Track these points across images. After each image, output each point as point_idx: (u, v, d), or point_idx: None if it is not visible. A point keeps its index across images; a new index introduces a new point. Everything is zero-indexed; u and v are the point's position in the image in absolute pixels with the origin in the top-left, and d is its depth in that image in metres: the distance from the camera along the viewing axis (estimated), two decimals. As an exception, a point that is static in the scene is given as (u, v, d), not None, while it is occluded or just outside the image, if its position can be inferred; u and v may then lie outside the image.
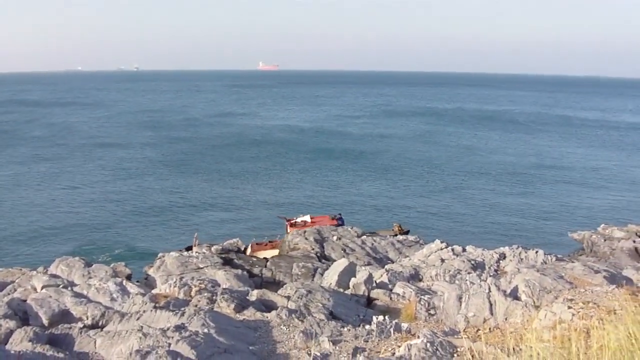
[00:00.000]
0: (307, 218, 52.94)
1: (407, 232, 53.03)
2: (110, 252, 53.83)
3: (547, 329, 13.35)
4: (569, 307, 15.08)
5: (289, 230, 50.34)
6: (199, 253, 40.64)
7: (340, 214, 55.13)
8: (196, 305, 21.76)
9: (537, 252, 33.13)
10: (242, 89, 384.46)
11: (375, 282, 27.08)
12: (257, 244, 47.43)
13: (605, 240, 50.32)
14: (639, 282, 22.83)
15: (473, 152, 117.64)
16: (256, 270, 38.86)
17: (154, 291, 28.29)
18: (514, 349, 9.61)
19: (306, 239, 44.17)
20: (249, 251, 45.78)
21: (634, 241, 48.40)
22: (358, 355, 14.52)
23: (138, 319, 20.46)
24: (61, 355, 18.76)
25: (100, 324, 24.01)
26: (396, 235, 51.20)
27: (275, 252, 45.18)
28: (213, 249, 42.63)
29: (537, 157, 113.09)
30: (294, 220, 52.87)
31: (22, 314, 26.16)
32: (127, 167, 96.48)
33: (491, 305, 18.71)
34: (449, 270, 28.87)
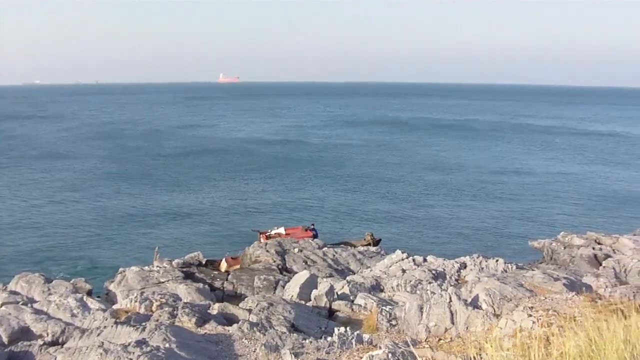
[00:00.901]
0: (282, 230, 52.43)
1: (379, 241, 53.20)
2: (70, 268, 53.00)
3: (508, 337, 13.38)
4: (530, 315, 15.14)
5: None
6: (159, 267, 40.26)
7: (313, 225, 54.84)
8: (157, 320, 21.49)
9: (497, 260, 33.40)
10: (202, 101, 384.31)
11: (337, 293, 27.02)
12: (232, 258, 46.73)
13: (564, 247, 50.77)
14: (599, 288, 23.03)
15: (433, 162, 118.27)
16: (217, 284, 38.61)
17: (114, 306, 27.93)
18: (474, 357, 9.60)
19: (267, 251, 44.03)
20: (223, 266, 44.31)
21: (593, 248, 48.90)
22: (320, 367, 14.45)
23: (99, 334, 20.14)
24: (20, 373, 18.45)
25: (60, 340, 23.59)
26: (369, 244, 51.74)
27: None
28: (174, 262, 42.24)
29: (497, 165, 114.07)
30: (268, 233, 52.37)
31: (-21, 332, 25.65)
32: (87, 180, 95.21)
33: (452, 314, 18.74)
34: (410, 281, 28.91)
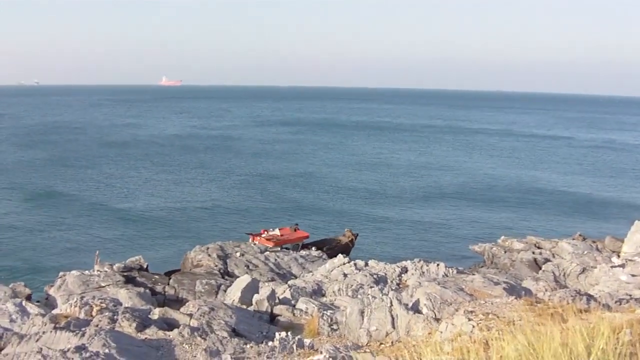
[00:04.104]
0: (277, 232, 52.26)
1: (356, 236, 54.90)
2: (9, 272, 51.79)
3: (448, 342, 13.39)
4: (469, 319, 15.19)
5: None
6: (100, 271, 39.68)
7: (297, 224, 54.74)
8: (97, 325, 21.12)
9: (438, 265, 33.61)
10: (143, 103, 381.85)
11: (278, 298, 26.93)
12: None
13: (505, 252, 51.38)
14: (538, 292, 23.29)
15: (373, 165, 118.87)
16: (159, 288, 38.17)
17: (54, 311, 27.43)
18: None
19: (209, 255, 43.70)
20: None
21: (533, 252, 49.59)
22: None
23: (37, 340, 19.68)
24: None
25: (-2, 346, 23.10)
26: (351, 240, 53.75)
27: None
28: (115, 266, 41.62)
29: (438, 170, 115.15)
30: (266, 234, 51.88)
31: None
32: (24, 183, 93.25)
33: (393, 319, 18.75)
34: (352, 285, 28.95)
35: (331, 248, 52.08)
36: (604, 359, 7.70)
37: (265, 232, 51.98)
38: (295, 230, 52.96)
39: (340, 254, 38.95)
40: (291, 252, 47.07)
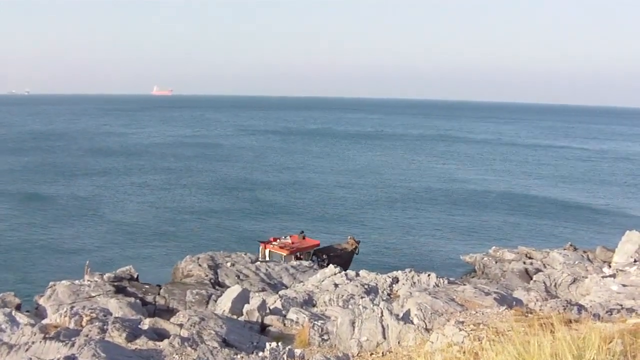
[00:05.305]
0: (289, 239, 52.42)
1: (358, 243, 54.84)
2: (-2, 282, 51.67)
3: (439, 352, 13.36)
4: (460, 330, 15.16)
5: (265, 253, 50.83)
6: (90, 281, 39.50)
7: (303, 232, 54.78)
8: (87, 335, 21.01)
9: (429, 275, 33.56)
10: (133, 112, 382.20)
11: (269, 308, 26.84)
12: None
13: (496, 262, 51.50)
14: (529, 302, 23.29)
15: (363, 175, 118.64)
16: (149, 298, 38.01)
17: (44, 321, 27.34)
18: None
19: (200, 265, 43.60)
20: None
21: (524, 262, 49.69)
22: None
23: (27, 350, 19.58)
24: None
25: (-13, 356, 22.96)
26: (354, 247, 53.77)
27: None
28: (105, 276, 41.43)
29: (428, 179, 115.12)
30: (279, 242, 51.87)
31: None
32: (13, 191, 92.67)
33: (384, 329, 18.72)
34: (342, 295, 28.90)
35: (338, 255, 52.24)
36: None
37: (278, 240, 52.05)
38: (303, 237, 52.99)
39: (330, 265, 38.83)
40: (282, 262, 47.12)
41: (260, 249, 51.33)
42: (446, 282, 32.19)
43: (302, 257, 50.19)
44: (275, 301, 28.73)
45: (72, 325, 23.49)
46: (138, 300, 35.44)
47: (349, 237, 56.24)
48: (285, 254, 49.12)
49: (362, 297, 27.41)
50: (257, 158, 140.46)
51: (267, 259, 49.49)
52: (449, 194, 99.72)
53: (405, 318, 19.31)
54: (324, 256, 51.25)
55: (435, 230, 74.91)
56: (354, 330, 19.61)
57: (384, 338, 18.44)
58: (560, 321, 13.09)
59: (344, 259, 52.05)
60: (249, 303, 27.43)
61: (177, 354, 18.31)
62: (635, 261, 42.50)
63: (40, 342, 19.91)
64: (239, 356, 17.92)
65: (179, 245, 61.98)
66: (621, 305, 28.44)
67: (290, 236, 53.23)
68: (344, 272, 35.96)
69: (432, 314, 19.32)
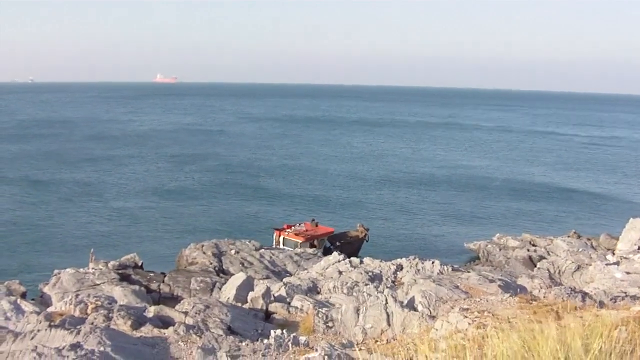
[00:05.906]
0: (303, 227, 52.97)
1: (368, 230, 55.43)
2: (3, 270, 51.56)
3: (443, 339, 13.35)
4: (465, 317, 15.16)
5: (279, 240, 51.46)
6: (95, 269, 39.58)
7: (314, 219, 55.03)
8: (92, 323, 21.03)
9: (433, 262, 33.58)
10: (135, 100, 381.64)
11: (273, 295, 26.88)
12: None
13: (500, 249, 51.50)
14: (533, 290, 23.28)
15: (366, 163, 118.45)
16: (154, 286, 38.10)
17: (49, 309, 27.34)
18: (410, 359, 9.51)
19: (204, 253, 43.66)
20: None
21: (528, 250, 49.69)
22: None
23: (32, 338, 19.59)
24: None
25: (-7, 344, 23.00)
26: (364, 234, 54.54)
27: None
28: (110, 264, 41.52)
29: (432, 166, 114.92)
30: (294, 229, 52.31)
31: None
32: (17, 179, 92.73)
33: (388, 316, 18.71)
34: (347, 283, 28.90)
35: (350, 243, 52.51)
36: (601, 357, 7.65)
37: (292, 227, 52.43)
38: (316, 225, 53.19)
39: (335, 252, 38.86)
40: (286, 249, 47.25)
41: (274, 236, 51.60)
42: (450, 269, 32.24)
43: (316, 244, 50.38)
44: (279, 288, 28.79)
45: (77, 313, 23.51)
46: (143, 288, 35.53)
47: (359, 224, 56.39)
48: (301, 241, 49.51)
49: (366, 285, 27.45)
50: (261, 145, 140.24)
51: (282, 246, 49.75)
52: (453, 181, 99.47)
53: (410, 305, 19.32)
54: (337, 243, 51.45)
55: (439, 217, 74.79)
56: (358, 317, 19.62)
57: (389, 325, 18.45)
58: (565, 309, 13.09)
59: (355, 247, 52.32)
60: (253, 290, 27.45)
61: (182, 342, 18.32)
62: (639, 248, 42.51)
63: (46, 330, 19.92)
64: (243, 343, 17.91)
65: (183, 232, 62.03)
66: (625, 292, 28.45)
67: (304, 223, 53.45)
68: (347, 259, 35.99)
69: (437, 301, 19.33)
